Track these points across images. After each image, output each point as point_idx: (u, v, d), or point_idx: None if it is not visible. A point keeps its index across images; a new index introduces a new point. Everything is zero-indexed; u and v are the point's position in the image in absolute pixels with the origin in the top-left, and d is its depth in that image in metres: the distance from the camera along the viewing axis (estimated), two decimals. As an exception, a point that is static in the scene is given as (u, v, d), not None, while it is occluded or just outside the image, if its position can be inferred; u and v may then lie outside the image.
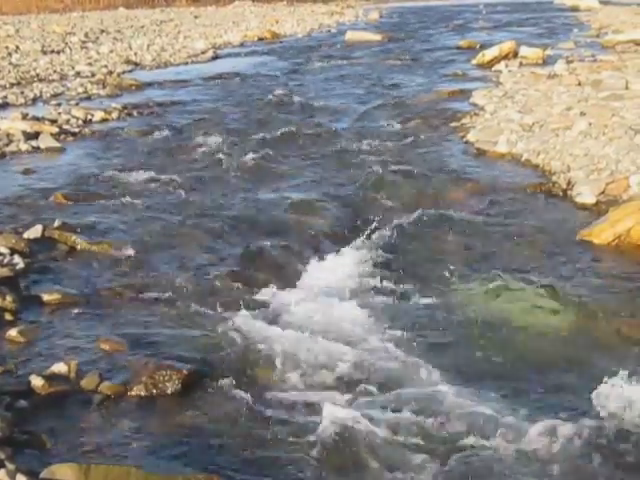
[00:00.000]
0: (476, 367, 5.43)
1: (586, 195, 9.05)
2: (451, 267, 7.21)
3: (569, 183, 9.55)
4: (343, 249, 7.40)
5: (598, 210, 8.65)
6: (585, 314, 6.17)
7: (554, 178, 9.87)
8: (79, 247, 7.63)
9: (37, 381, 5.00)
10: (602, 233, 7.85)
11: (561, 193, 9.42)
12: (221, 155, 11.67)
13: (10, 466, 4.00)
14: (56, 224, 7.92)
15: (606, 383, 4.86)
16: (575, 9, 52.96)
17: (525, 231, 8.11)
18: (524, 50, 22.17)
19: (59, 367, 5.18)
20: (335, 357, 5.42)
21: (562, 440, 4.41)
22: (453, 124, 13.70)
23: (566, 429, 4.48)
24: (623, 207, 8.19)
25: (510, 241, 7.88)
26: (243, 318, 5.98)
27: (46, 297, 6.43)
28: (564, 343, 5.81)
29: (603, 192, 9.07)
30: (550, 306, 6.30)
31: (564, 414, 4.73)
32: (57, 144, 12.63)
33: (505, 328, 5.99)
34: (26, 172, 10.76)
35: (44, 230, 7.76)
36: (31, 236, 7.65)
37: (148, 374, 5.10)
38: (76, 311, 6.24)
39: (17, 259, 7.03)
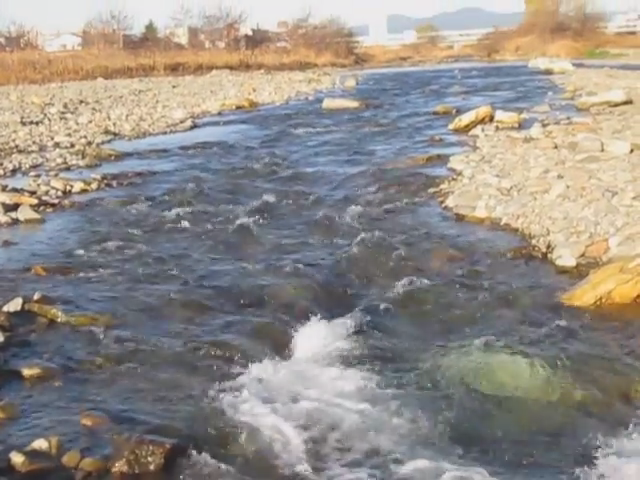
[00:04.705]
0: (455, 434, 5.40)
1: (566, 258, 9.10)
2: (431, 335, 7.24)
3: (549, 246, 9.60)
4: (325, 320, 7.39)
5: (579, 272, 8.68)
6: (567, 379, 6.16)
7: (534, 242, 9.92)
8: (59, 320, 7.55)
9: (17, 458, 4.91)
10: (583, 295, 7.88)
11: (541, 256, 9.45)
12: (201, 225, 11.68)
13: None
14: (36, 297, 7.84)
15: (587, 450, 4.85)
16: (549, 72, 54.16)
17: (506, 296, 8.10)
18: (500, 114, 22.45)
19: (40, 443, 5.09)
20: (321, 429, 5.37)
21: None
22: (431, 189, 13.74)
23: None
24: (604, 269, 8.23)
25: (491, 307, 7.86)
26: (226, 390, 5.94)
27: (26, 371, 6.35)
28: (547, 409, 5.81)
29: (583, 254, 9.13)
30: (531, 372, 6.27)
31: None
32: (36, 215, 12.59)
33: (485, 395, 5.97)
34: (5, 244, 10.72)
35: (24, 303, 7.69)
36: (11, 309, 7.57)
37: (130, 449, 5.01)
38: (57, 385, 6.16)
39: (-3, 333, 6.98)
